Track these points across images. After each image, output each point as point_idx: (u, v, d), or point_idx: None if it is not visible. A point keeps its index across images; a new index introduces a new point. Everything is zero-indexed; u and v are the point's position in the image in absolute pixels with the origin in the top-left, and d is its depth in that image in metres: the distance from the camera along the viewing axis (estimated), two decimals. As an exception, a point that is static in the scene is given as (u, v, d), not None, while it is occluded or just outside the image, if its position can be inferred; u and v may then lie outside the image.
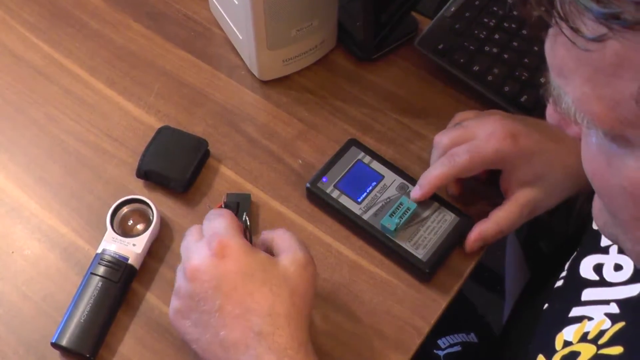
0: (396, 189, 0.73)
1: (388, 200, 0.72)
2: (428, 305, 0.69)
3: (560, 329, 0.57)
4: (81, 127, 0.80)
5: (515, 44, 0.82)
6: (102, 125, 0.80)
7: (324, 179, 0.74)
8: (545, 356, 0.57)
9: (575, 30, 0.35)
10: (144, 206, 0.73)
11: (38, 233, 0.74)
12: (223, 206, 0.72)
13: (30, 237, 0.73)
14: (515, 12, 0.83)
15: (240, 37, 0.81)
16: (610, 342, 0.53)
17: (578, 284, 0.60)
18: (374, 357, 0.67)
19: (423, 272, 0.69)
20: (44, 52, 0.86)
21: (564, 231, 0.83)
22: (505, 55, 0.81)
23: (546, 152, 0.68)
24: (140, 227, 0.72)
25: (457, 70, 0.81)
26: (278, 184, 0.76)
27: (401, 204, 0.71)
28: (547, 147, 0.68)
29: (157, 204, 0.73)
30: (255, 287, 0.56)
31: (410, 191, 0.72)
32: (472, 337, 0.88)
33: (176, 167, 0.75)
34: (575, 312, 0.58)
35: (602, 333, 0.54)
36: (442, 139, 0.71)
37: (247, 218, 0.65)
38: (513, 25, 0.82)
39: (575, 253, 0.63)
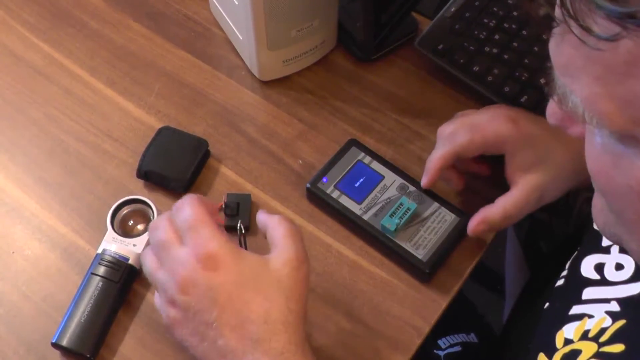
0: (396, 189, 0.73)
1: (388, 200, 0.72)
2: (428, 305, 0.69)
3: (560, 327, 0.57)
4: (81, 128, 0.80)
5: (515, 44, 0.82)
6: (102, 126, 0.80)
7: (324, 179, 0.74)
8: (546, 355, 0.57)
9: (586, 29, 0.34)
10: (144, 206, 0.73)
11: (38, 233, 0.74)
12: (223, 206, 0.72)
13: (31, 238, 0.73)
14: (516, 13, 0.83)
15: (241, 38, 0.81)
16: (611, 340, 0.53)
17: (579, 282, 0.60)
18: (374, 358, 0.67)
19: (423, 272, 0.69)
20: (44, 52, 0.86)
21: (564, 231, 0.83)
22: (506, 56, 0.81)
23: (548, 136, 0.67)
24: (140, 227, 0.72)
25: (457, 71, 0.81)
26: (278, 184, 0.76)
27: (401, 204, 0.71)
28: (548, 131, 0.67)
29: (157, 204, 0.73)
30: (250, 297, 0.56)
31: (410, 191, 0.72)
32: (473, 337, 0.87)
33: (176, 168, 0.75)
34: (576, 310, 0.58)
35: (603, 331, 0.54)
36: (445, 128, 0.71)
37: (242, 227, 0.66)
38: (513, 26, 0.82)
39: (576, 252, 0.63)
